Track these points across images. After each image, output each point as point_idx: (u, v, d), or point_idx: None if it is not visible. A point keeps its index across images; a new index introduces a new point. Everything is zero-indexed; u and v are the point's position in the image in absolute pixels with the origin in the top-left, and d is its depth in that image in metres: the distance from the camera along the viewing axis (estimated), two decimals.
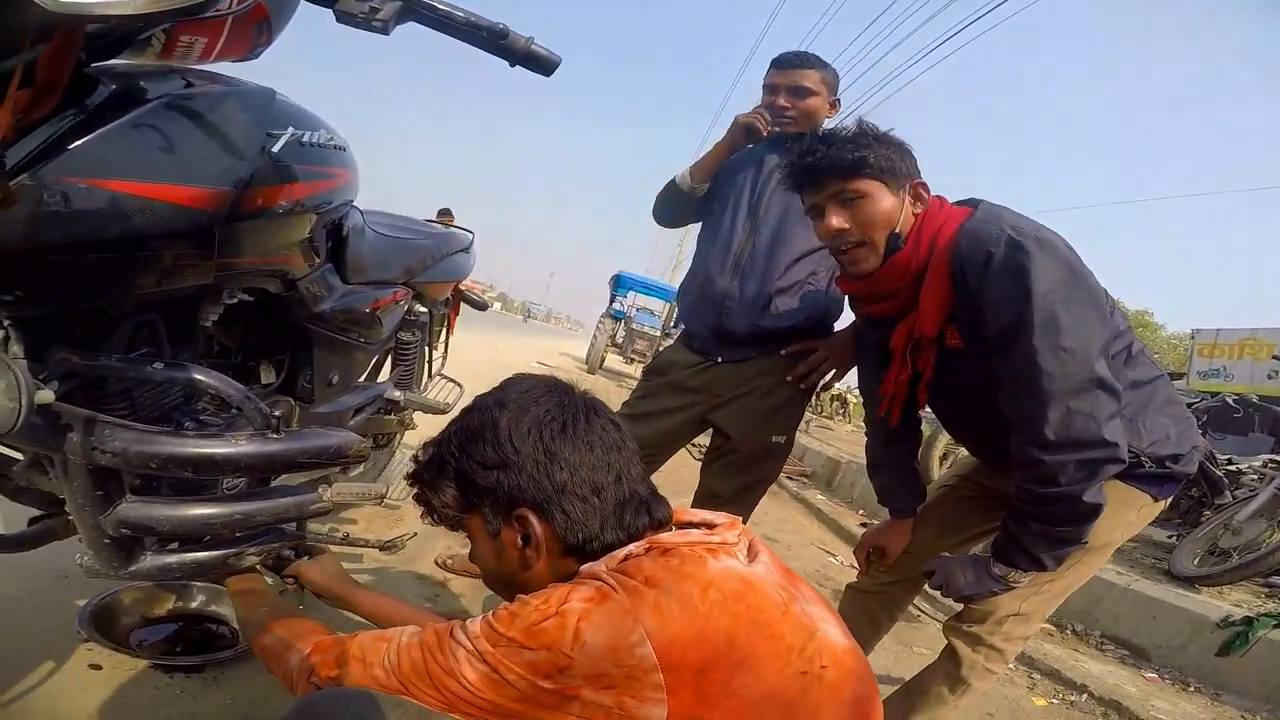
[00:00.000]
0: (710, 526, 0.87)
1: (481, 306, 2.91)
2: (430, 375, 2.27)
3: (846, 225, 1.27)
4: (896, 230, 1.26)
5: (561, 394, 0.89)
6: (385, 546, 2.17)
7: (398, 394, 1.85)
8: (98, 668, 1.35)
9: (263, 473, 0.83)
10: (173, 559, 0.92)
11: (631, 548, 0.81)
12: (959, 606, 1.46)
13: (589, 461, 0.84)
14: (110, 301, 0.84)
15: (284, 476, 1.19)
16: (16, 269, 0.68)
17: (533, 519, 0.81)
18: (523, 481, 0.82)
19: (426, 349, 2.18)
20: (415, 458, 0.93)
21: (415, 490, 0.92)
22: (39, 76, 0.61)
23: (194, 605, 1.59)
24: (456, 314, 2.47)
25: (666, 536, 0.84)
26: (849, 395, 14.39)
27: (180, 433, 0.79)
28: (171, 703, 1.30)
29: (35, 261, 0.68)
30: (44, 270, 0.71)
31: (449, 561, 2.26)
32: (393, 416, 1.92)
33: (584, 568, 0.80)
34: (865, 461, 1.71)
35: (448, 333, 2.41)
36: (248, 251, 0.97)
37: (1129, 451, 1.17)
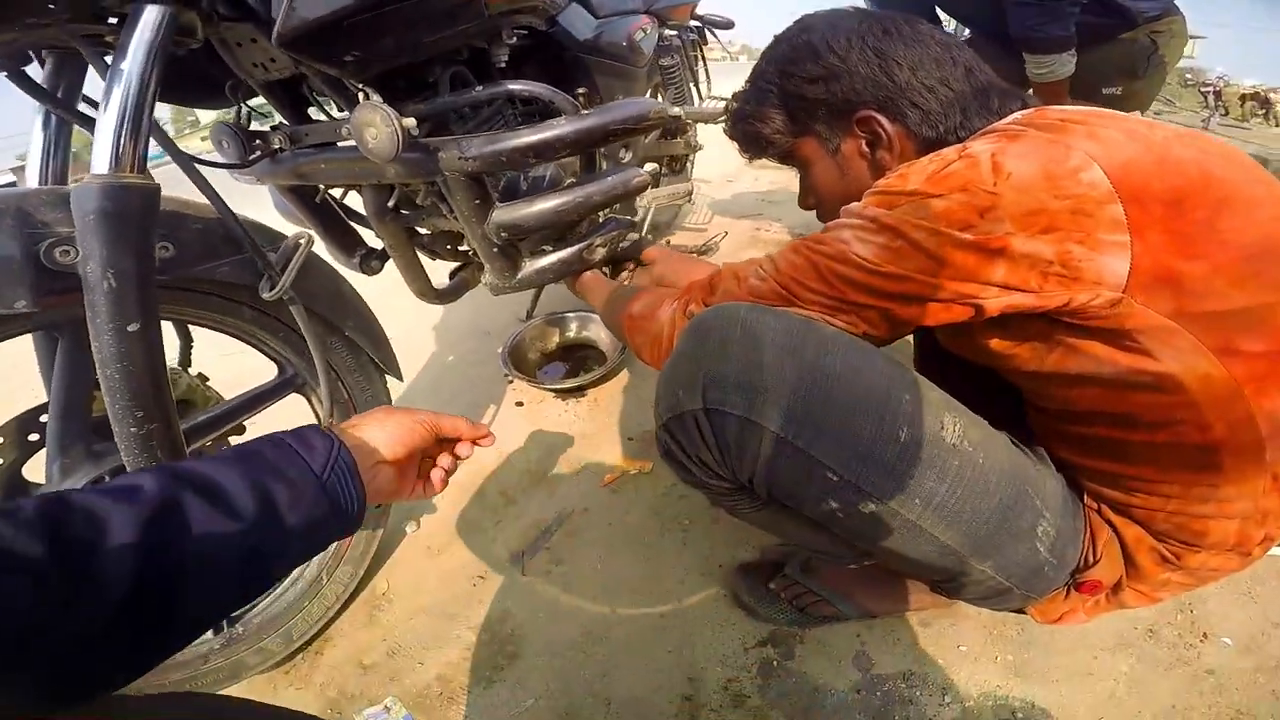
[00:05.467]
0: None
1: (727, 25, 2.76)
2: (701, 98, 2.27)
3: None
4: None
5: (866, 12, 0.80)
6: (702, 251, 2.35)
7: (676, 109, 1.88)
8: (520, 404, 1.77)
9: (588, 145, 0.91)
10: (543, 260, 1.09)
11: (1015, 117, 0.71)
12: None
13: (928, 55, 0.75)
14: (417, 51, 0.92)
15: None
16: (342, 32, 0.78)
17: (879, 117, 0.76)
18: (857, 85, 0.76)
19: (688, 72, 2.17)
20: (727, 106, 0.93)
21: (738, 126, 0.89)
22: None
23: (571, 335, 1.94)
24: (704, 42, 2.42)
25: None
26: (1271, 95, 10.13)
27: (516, 129, 0.89)
28: (570, 425, 1.65)
29: (348, 23, 0.78)
30: (358, 30, 0.80)
31: None
32: (679, 139, 2.00)
33: None
34: None
35: (702, 60, 2.37)
36: None
37: None
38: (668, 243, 2.15)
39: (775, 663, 1.03)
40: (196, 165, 0.78)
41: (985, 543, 0.69)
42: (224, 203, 0.74)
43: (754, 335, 0.66)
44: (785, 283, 0.71)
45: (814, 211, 0.94)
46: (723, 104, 2.16)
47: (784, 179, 3.78)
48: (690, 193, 1.55)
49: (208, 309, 0.82)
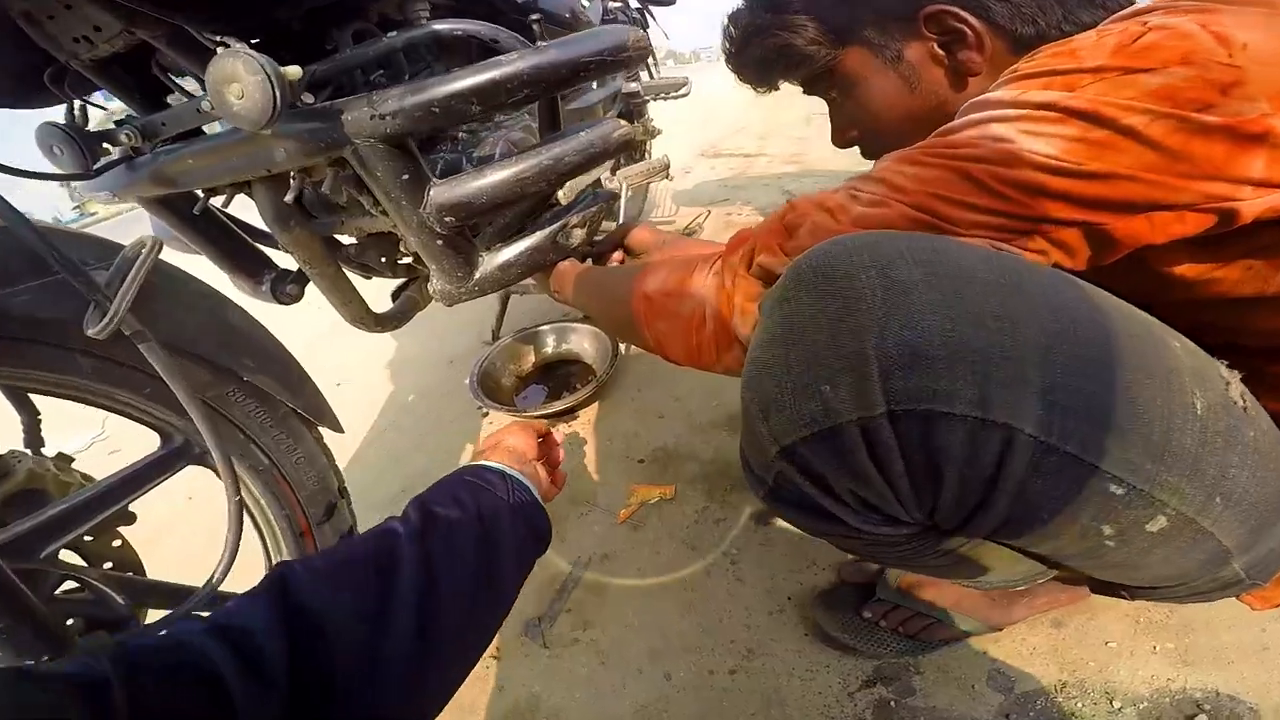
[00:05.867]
0: None
1: (668, 1, 2.60)
2: (652, 77, 2.07)
3: None
4: None
5: None
6: (688, 232, 2.14)
7: (633, 85, 1.67)
8: None
9: (553, 86, 0.69)
10: (507, 253, 0.85)
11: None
12: None
13: None
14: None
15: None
16: None
17: (958, 10, 0.58)
18: None
19: None
20: (728, 30, 0.75)
21: (754, 43, 0.71)
22: None
23: (549, 350, 1.68)
24: (646, 25, 2.25)
25: None
26: None
27: (448, 73, 0.66)
28: (566, 454, 1.38)
29: None
30: None
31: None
32: (637, 123, 1.78)
33: None
34: None
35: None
36: None
37: None
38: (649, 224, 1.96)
39: (893, 703, 0.82)
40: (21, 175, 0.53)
41: (1260, 534, 0.47)
42: (7, 203, 0.48)
43: (948, 268, 0.42)
44: (923, 203, 0.48)
45: (854, 149, 0.76)
46: (685, 76, 1.96)
47: (741, 165, 3.66)
48: (667, 166, 1.35)
49: (21, 364, 0.55)
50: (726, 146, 4.30)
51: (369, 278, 1.06)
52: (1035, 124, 0.44)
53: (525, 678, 0.94)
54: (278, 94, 0.58)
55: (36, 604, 0.52)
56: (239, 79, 0.59)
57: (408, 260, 1.05)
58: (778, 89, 0.77)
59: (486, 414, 1.58)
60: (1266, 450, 0.46)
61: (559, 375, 1.65)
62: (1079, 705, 0.78)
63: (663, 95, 1.86)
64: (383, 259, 1.00)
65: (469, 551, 0.51)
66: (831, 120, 0.76)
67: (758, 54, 0.72)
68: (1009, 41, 0.59)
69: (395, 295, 1.09)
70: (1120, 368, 0.41)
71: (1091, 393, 0.40)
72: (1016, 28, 0.58)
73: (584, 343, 1.65)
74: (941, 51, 0.62)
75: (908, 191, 0.49)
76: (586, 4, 1.45)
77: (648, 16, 2.17)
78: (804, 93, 0.76)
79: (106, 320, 0.51)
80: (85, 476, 0.67)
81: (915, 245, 0.43)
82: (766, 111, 5.55)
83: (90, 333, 0.52)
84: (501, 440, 0.73)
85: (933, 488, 0.44)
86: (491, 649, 0.99)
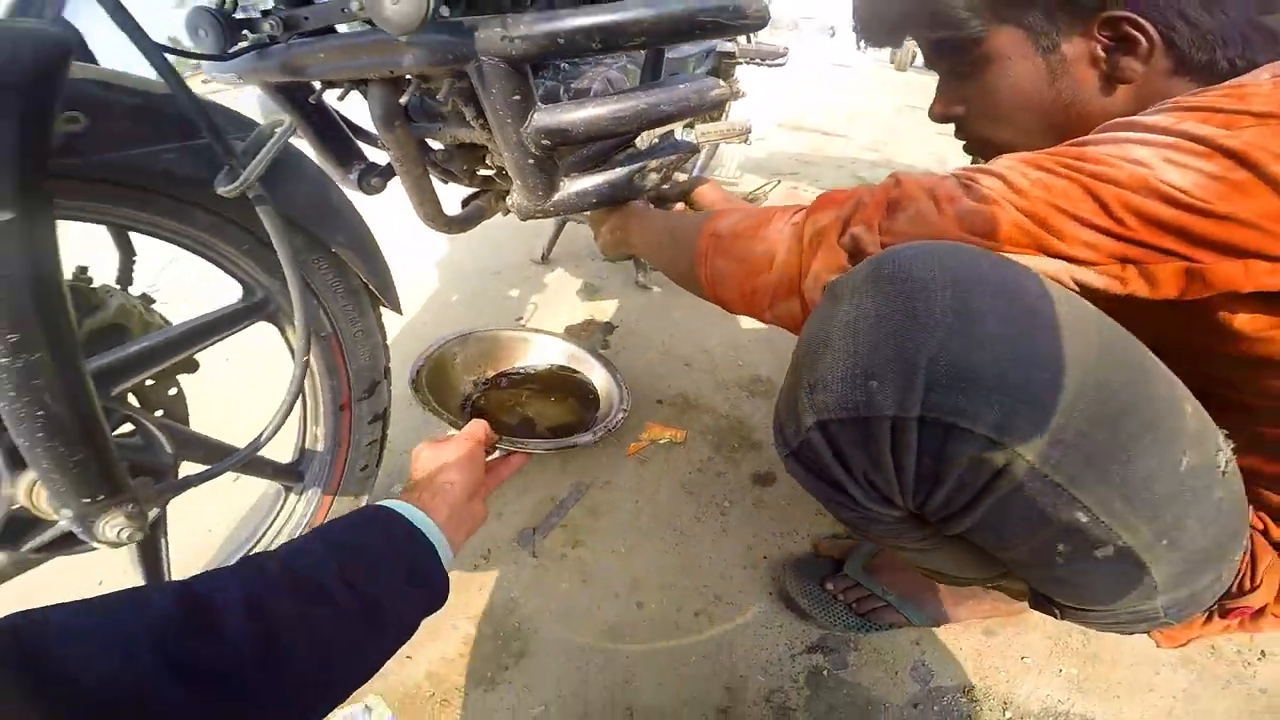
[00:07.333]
0: None
1: None
2: (749, 40, 2.04)
3: None
4: None
5: None
6: (750, 199, 2.15)
7: (729, 45, 1.66)
8: None
9: (670, 36, 0.73)
10: (587, 181, 0.90)
11: None
12: None
13: None
14: None
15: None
16: None
17: (1143, 22, 0.56)
18: None
19: None
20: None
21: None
22: None
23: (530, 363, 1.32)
24: None
25: None
26: None
27: (576, 7, 0.70)
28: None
29: None
30: None
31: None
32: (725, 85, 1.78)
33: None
34: None
35: None
36: None
37: None
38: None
39: (825, 672, 0.91)
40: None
41: (1187, 578, 0.54)
42: (178, 75, 0.54)
43: (1023, 307, 0.46)
44: (1039, 211, 0.50)
45: (949, 124, 0.74)
46: (784, 45, 1.92)
47: (820, 142, 3.56)
48: (748, 131, 1.35)
49: (148, 210, 0.62)
50: (809, 121, 4.14)
51: (446, 183, 1.12)
52: (1180, 154, 0.46)
53: (508, 582, 1.03)
54: (430, 5, 0.62)
55: (111, 442, 0.53)
56: None
57: (487, 172, 1.10)
58: (897, 46, 0.74)
59: (521, 318, 1.63)
60: (1226, 510, 0.51)
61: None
62: (978, 708, 0.87)
63: (757, 60, 1.84)
64: (464, 167, 1.05)
65: (323, 631, 0.46)
66: (939, 90, 0.73)
67: (901, 4, 0.69)
68: (1175, 63, 0.58)
69: (466, 202, 1.15)
70: (1133, 424, 0.46)
71: (1097, 440, 0.46)
72: (1192, 53, 0.57)
73: (599, 375, 1.28)
74: (1103, 54, 0.60)
75: (1027, 195, 0.50)
76: None
77: None
78: (925, 58, 0.73)
79: (239, 183, 0.57)
80: (164, 319, 0.73)
81: (1002, 275, 0.47)
82: (859, 95, 5.30)
83: (221, 191, 0.58)
84: (436, 476, 0.65)
85: (930, 486, 0.51)
86: (482, 550, 1.08)
